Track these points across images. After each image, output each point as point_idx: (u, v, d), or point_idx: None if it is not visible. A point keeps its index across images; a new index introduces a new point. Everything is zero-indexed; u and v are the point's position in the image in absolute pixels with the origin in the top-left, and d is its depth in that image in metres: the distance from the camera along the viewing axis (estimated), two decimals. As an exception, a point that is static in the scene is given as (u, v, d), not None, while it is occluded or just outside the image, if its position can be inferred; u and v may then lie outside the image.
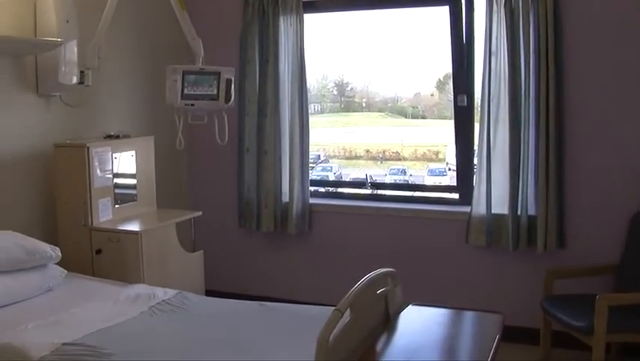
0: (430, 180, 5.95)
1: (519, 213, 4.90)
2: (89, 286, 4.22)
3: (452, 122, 5.38)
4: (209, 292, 4.87)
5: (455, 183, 5.48)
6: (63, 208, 4.71)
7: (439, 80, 5.89)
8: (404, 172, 6.11)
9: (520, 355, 4.74)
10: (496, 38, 4.86)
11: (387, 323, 3.08)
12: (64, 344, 3.20)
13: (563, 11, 4.72)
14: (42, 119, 4.82)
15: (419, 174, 6.06)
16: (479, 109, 5.07)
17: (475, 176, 5.11)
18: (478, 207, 5.02)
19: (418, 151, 6.18)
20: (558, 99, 4.74)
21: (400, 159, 6.18)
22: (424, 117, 6.23)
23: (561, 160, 4.82)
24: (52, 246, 4.16)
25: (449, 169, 5.89)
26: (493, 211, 4.98)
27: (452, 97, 5.33)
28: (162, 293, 3.99)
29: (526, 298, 4.94)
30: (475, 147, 5.16)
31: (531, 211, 4.90)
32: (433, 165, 6.09)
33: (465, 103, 5.23)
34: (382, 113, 6.30)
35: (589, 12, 4.74)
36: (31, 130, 4.74)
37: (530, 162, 4.86)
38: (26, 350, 3.15)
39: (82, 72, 4.84)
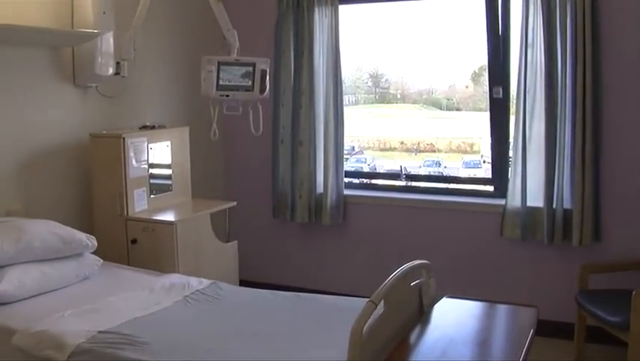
0: (464, 173, 5.92)
1: (554, 206, 4.87)
2: (125, 275, 4.26)
3: (487, 114, 5.34)
4: (243, 283, 4.89)
5: (490, 176, 5.44)
6: (99, 198, 4.75)
7: (474, 71, 5.85)
8: (439, 164, 6.08)
9: (554, 350, 4.72)
10: (533, 29, 4.82)
11: (421, 316, 3.08)
12: (100, 331, 3.23)
13: (601, 1, 4.66)
14: (79, 110, 4.87)
15: (454, 166, 6.03)
16: (515, 101, 5.02)
17: (510, 168, 5.08)
18: (513, 200, 4.98)
19: (452, 143, 6.16)
20: (595, 91, 4.69)
21: (434, 151, 6.16)
22: (458, 109, 6.20)
23: (597, 153, 4.77)
24: (88, 235, 4.20)
25: (484, 161, 5.86)
26: (528, 204, 4.94)
27: (487, 89, 5.30)
28: (197, 283, 4.01)
29: (560, 293, 4.91)
30: (511, 140, 5.13)
31: (567, 205, 4.86)
32: (468, 158, 6.06)
33: (500, 95, 5.19)
34: (417, 105, 6.27)
35: (628, 1, 4.67)
36: (68, 120, 4.79)
37: (566, 155, 4.81)
38: (63, 337, 3.19)
39: (118, 63, 4.87)
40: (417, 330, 2.90)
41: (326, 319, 3.39)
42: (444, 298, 3.25)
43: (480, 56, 5.34)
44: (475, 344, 2.81)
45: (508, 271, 5.16)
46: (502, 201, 5.08)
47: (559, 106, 4.79)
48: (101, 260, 4.24)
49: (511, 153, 5.11)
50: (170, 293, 3.85)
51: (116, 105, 5.15)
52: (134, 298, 3.78)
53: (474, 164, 5.99)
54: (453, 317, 3.11)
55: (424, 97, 6.28)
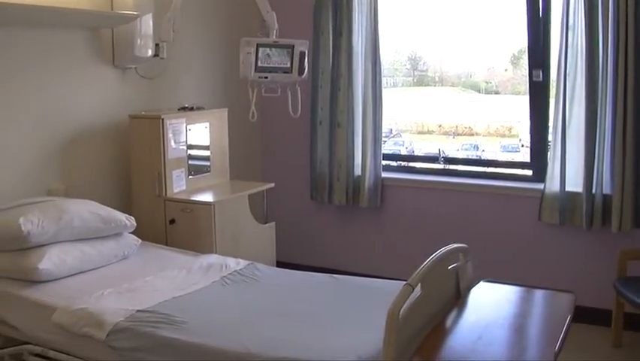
0: (502, 157, 5.88)
1: (594, 191, 4.81)
2: (163, 255, 4.31)
3: (526, 97, 5.29)
4: (280, 264, 4.91)
5: (528, 160, 5.39)
6: (138, 179, 4.79)
7: (514, 54, 5.80)
8: (476, 148, 6.04)
9: (592, 336, 4.68)
10: (574, 12, 4.75)
11: (458, 299, 3.07)
12: (138, 310, 3.28)
13: (644, -17, 4.59)
14: (118, 91, 4.91)
15: (492, 149, 5.99)
16: (555, 84, 4.97)
17: (549, 153, 5.02)
18: (552, 184, 4.94)
19: (490, 127, 6.11)
20: (637, 75, 4.62)
21: (472, 135, 6.12)
22: (497, 92, 6.15)
23: (638, 138, 4.70)
24: (127, 215, 4.25)
25: (522, 145, 5.81)
26: (567, 189, 4.90)
27: (527, 72, 5.24)
28: (234, 264, 4.04)
29: (598, 279, 4.86)
30: (550, 124, 5.07)
31: (606, 190, 4.80)
32: (506, 141, 6.01)
33: (540, 78, 5.13)
34: (455, 88, 6.24)
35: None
36: (108, 102, 4.84)
37: (607, 140, 4.75)
38: (102, 315, 3.24)
39: (157, 45, 4.90)
40: (453, 314, 2.89)
41: (362, 301, 3.40)
42: (481, 283, 3.24)
43: (520, 39, 5.29)
44: (512, 328, 2.79)
45: (546, 256, 5.12)
46: (540, 186, 5.04)
47: (599, 90, 4.73)
48: (140, 240, 4.29)
49: (550, 138, 5.05)
50: (207, 274, 3.89)
51: (155, 87, 5.18)
52: (172, 278, 3.82)
53: (512, 148, 5.94)
54: (490, 301, 3.10)
55: (462, 80, 6.24)
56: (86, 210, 4.04)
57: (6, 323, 3.68)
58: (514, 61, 5.83)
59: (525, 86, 5.38)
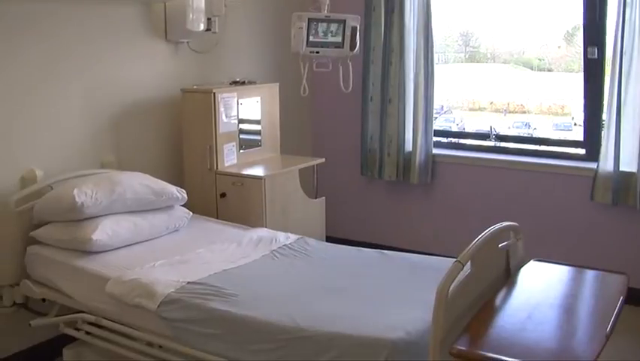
0: (554, 135, 5.81)
1: (649, 171, 4.75)
2: (213, 228, 4.35)
3: (580, 75, 5.21)
4: (329, 239, 4.92)
5: (581, 139, 5.32)
6: (189, 152, 4.83)
7: (567, 31, 5.71)
8: (528, 125, 5.98)
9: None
10: (632, -13, 4.67)
11: (508, 278, 3.05)
12: (189, 282, 3.32)
13: None
14: (170, 65, 4.95)
15: (544, 127, 5.92)
16: (610, 62, 4.88)
17: (603, 131, 4.95)
18: (606, 163, 4.87)
19: (542, 104, 6.04)
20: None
21: (524, 112, 6.06)
22: (550, 70, 6.06)
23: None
24: (178, 188, 4.28)
25: (575, 124, 5.73)
26: (621, 168, 4.83)
27: (581, 49, 5.16)
28: (284, 238, 4.05)
29: (652, 259, 4.80)
30: (605, 102, 4.99)
31: (662, 169, 4.73)
32: (558, 120, 5.94)
33: (595, 55, 5.04)
34: (507, 65, 6.17)
35: None
36: (160, 76, 4.88)
37: (663, 119, 4.68)
38: (153, 286, 3.28)
39: (209, 19, 4.90)
40: (503, 292, 2.87)
41: (411, 277, 3.39)
42: (531, 262, 3.21)
43: (574, 15, 5.20)
44: (562, 308, 2.77)
45: (598, 236, 5.06)
46: (593, 165, 4.97)
47: (657, 68, 4.65)
48: (191, 213, 4.33)
49: (604, 116, 4.97)
50: (257, 247, 3.91)
51: (207, 61, 5.21)
52: (223, 250, 3.85)
53: (565, 126, 5.86)
54: (540, 280, 3.07)
55: (514, 57, 6.17)
56: (139, 183, 4.09)
57: (62, 292, 3.76)
58: (568, 38, 5.75)
59: (579, 63, 5.31)
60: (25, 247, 3.97)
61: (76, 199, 3.73)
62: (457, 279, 2.51)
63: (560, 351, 2.36)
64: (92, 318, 3.58)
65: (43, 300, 3.96)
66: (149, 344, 3.39)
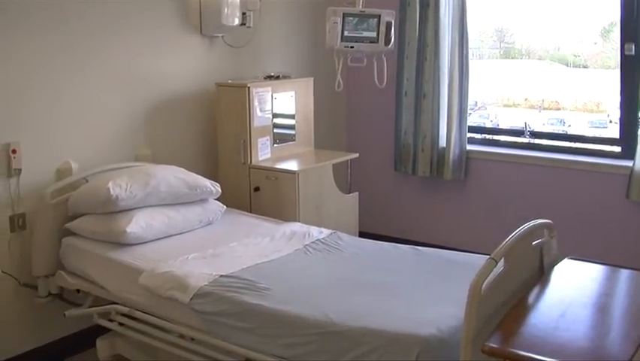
0: (589, 132, 5.74)
1: (687, 169, 4.69)
2: (247, 222, 4.36)
3: (616, 72, 5.15)
4: (362, 234, 4.91)
5: (617, 136, 5.26)
6: (224, 146, 4.85)
7: (604, 27, 5.64)
8: (563, 122, 5.92)
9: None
10: (672, -17, 4.61)
11: (541, 276, 3.03)
12: (221, 275, 3.33)
13: None
14: (205, 60, 4.97)
15: (579, 124, 5.86)
16: (648, 59, 4.83)
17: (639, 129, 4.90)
18: (643, 161, 4.82)
19: (577, 101, 5.97)
20: None
21: (559, 109, 6.00)
22: (585, 66, 5.99)
23: None
24: (212, 182, 4.30)
25: (610, 121, 5.67)
26: (658, 166, 4.78)
27: (617, 45, 5.09)
28: (317, 232, 4.05)
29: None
30: (642, 99, 4.93)
31: (700, 168, 4.67)
32: (594, 117, 5.87)
33: (632, 52, 4.98)
34: (543, 61, 6.12)
35: None
36: (195, 70, 4.90)
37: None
38: (186, 279, 3.30)
39: (244, 14, 4.93)
40: (536, 290, 2.85)
41: (445, 274, 3.38)
42: (565, 260, 3.18)
43: (611, 11, 5.14)
44: (596, 308, 2.74)
45: (634, 235, 5.00)
46: (629, 163, 4.91)
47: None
48: (224, 206, 4.35)
49: (641, 113, 4.92)
50: (290, 241, 3.92)
51: (241, 55, 5.22)
52: (256, 244, 3.86)
53: (600, 123, 5.79)
54: (574, 279, 3.04)
55: (549, 53, 6.11)
56: (173, 176, 4.11)
57: (96, 283, 3.80)
58: (605, 34, 5.68)
59: (615, 60, 5.24)
60: (60, 239, 4.02)
61: (111, 192, 3.77)
62: (490, 276, 2.50)
63: (593, 351, 2.34)
64: (125, 310, 3.61)
65: (78, 291, 4.00)
66: (182, 336, 3.41)
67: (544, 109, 6.01)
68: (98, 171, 4.16)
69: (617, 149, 5.21)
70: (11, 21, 3.87)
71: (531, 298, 2.76)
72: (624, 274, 3.10)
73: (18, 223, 4.03)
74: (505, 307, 2.65)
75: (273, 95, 4.88)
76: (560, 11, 5.61)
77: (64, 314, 4.02)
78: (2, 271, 3.96)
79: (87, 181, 4.09)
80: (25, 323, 4.17)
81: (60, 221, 4.02)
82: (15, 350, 4.12)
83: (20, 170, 3.97)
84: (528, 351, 2.27)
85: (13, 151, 3.93)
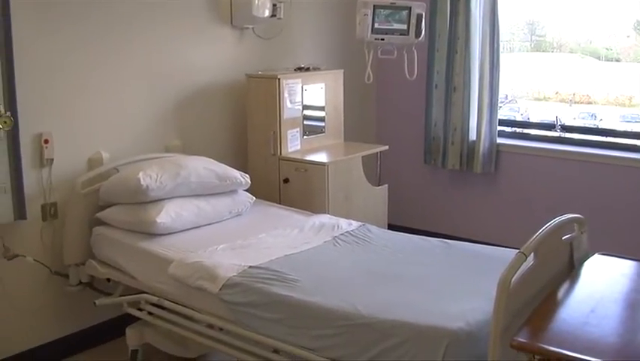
0: (621, 126, 5.69)
1: None
2: (276, 213, 4.37)
3: (650, 65, 5.11)
4: (391, 227, 4.91)
5: (651, 131, 5.21)
6: (253, 137, 4.86)
7: (637, 20, 5.58)
8: (594, 116, 5.87)
9: None
10: None
11: (571, 271, 3.01)
12: (250, 266, 3.34)
13: None
14: (235, 51, 4.98)
15: (610, 119, 5.81)
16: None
17: (674, 123, 4.85)
18: (676, 156, 4.77)
19: (609, 95, 5.92)
20: None
21: (590, 103, 5.94)
22: (618, 60, 5.93)
23: None
24: (242, 173, 4.32)
25: (643, 115, 5.63)
26: (692, 161, 4.72)
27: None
28: (346, 224, 4.05)
29: None
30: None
31: None
32: (626, 111, 5.81)
33: (667, 45, 4.95)
34: (574, 54, 6.06)
35: None
36: (225, 61, 4.92)
37: None
38: (216, 269, 3.31)
39: (274, 5, 4.93)
40: (566, 285, 2.83)
41: (474, 267, 3.36)
42: (596, 255, 3.16)
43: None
44: (627, 304, 2.72)
45: (666, 230, 4.96)
46: (662, 158, 4.87)
47: None
48: (254, 198, 4.36)
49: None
50: (319, 233, 3.92)
51: (272, 47, 5.22)
52: (285, 236, 3.87)
53: (632, 118, 5.74)
54: (604, 274, 3.02)
55: (581, 46, 6.05)
56: (202, 167, 4.13)
57: (126, 273, 3.83)
58: (638, 27, 5.62)
59: (649, 53, 5.19)
60: (90, 228, 4.06)
61: (142, 182, 3.79)
62: (519, 270, 2.49)
63: (623, 346, 2.32)
64: (154, 299, 3.64)
65: (108, 280, 4.04)
66: (210, 326, 3.43)
67: (575, 103, 5.97)
68: (129, 162, 4.19)
69: (650, 144, 5.16)
70: (42, 12, 3.90)
71: (561, 294, 2.74)
72: (656, 270, 3.07)
73: (50, 212, 4.07)
74: (534, 301, 2.63)
75: (303, 86, 4.89)
76: (592, 4, 5.56)
77: (95, 303, 4.05)
78: (34, 260, 4.00)
79: (118, 171, 4.12)
80: (57, 311, 4.22)
81: (91, 210, 4.06)
82: (46, 337, 4.18)
83: (52, 160, 4.02)
84: (558, 347, 2.26)
85: (46, 141, 3.97)
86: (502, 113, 5.95)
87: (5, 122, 3.59)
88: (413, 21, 4.66)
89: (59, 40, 4.00)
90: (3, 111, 3.61)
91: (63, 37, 4.02)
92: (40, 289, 4.12)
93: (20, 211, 3.84)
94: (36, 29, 3.88)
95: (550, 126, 5.65)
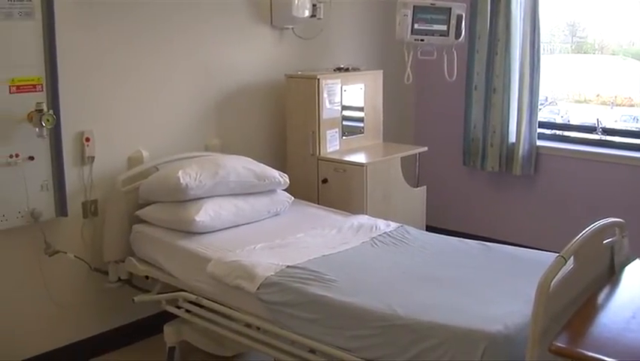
0: (664, 130, 5.62)
1: None
2: (314, 213, 4.37)
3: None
4: (430, 228, 4.89)
5: (694, 134, 5.13)
6: (292, 137, 4.88)
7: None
8: (636, 119, 5.80)
9: None
10: None
11: (612, 276, 2.97)
12: (288, 266, 3.34)
13: None
14: (275, 51, 5.00)
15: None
16: None
17: None
18: None
19: (652, 98, 5.85)
20: None
21: (632, 105, 5.87)
22: (661, 63, 5.87)
23: None
24: (280, 172, 4.33)
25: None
26: None
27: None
28: (384, 225, 4.04)
29: None
30: None
31: None
32: (669, 114, 5.75)
33: None
34: (616, 56, 6.00)
35: None
36: (265, 61, 4.94)
37: None
38: (254, 268, 3.32)
39: (314, 5, 4.95)
40: (606, 290, 2.80)
41: (512, 270, 3.33)
42: (637, 260, 3.12)
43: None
44: (669, 309, 2.69)
45: None
46: None
47: None
48: (292, 198, 4.37)
49: None
50: (357, 234, 3.91)
51: (311, 47, 5.23)
52: (323, 236, 3.87)
53: (675, 121, 5.68)
54: (645, 279, 2.99)
55: (623, 48, 5.98)
56: (241, 166, 4.15)
57: (164, 270, 3.86)
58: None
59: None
60: (130, 226, 4.10)
61: (181, 181, 3.82)
62: (559, 274, 2.46)
63: (664, 353, 2.29)
64: (192, 297, 3.65)
65: (147, 277, 4.07)
66: (248, 325, 3.44)
67: (616, 105, 5.90)
68: (169, 160, 4.23)
69: (694, 147, 5.09)
70: (84, 11, 3.96)
71: (601, 298, 2.71)
72: (699, 276, 3.03)
73: (90, 210, 4.12)
74: (573, 306, 2.61)
75: (343, 87, 4.89)
76: (634, 5, 5.48)
77: (134, 300, 4.08)
78: (75, 256, 4.05)
79: (158, 170, 4.15)
80: (96, 307, 4.27)
81: (131, 208, 4.10)
82: (85, 332, 4.23)
83: (93, 158, 4.07)
84: (597, 352, 2.23)
85: (87, 139, 4.02)
86: (542, 116, 5.91)
87: (48, 120, 3.63)
88: (453, 22, 4.64)
89: (101, 39, 4.05)
90: (46, 109, 3.66)
91: (104, 36, 4.06)
92: (79, 286, 4.17)
93: (62, 208, 3.90)
94: (78, 29, 3.93)
95: (590, 129, 5.59)
